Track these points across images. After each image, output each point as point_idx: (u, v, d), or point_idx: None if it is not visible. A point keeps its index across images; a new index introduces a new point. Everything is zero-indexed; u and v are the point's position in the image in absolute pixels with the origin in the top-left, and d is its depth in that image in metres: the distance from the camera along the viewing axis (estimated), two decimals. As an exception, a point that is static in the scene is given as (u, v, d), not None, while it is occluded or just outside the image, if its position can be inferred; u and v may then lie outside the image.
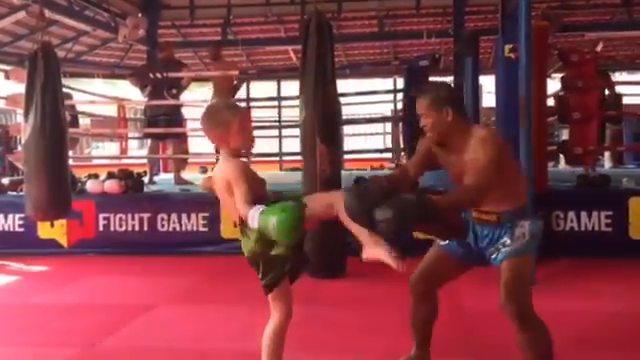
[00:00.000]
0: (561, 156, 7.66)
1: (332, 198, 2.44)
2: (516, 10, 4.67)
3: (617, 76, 11.27)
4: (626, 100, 9.29)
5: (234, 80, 7.86)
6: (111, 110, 11.40)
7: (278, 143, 10.64)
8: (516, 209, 2.46)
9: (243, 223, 2.35)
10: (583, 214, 5.20)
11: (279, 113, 10.71)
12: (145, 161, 8.16)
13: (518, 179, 2.55)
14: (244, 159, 2.49)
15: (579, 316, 3.40)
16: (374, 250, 2.35)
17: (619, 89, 8.98)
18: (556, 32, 7.15)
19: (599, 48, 9.83)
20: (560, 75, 6.47)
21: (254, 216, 2.23)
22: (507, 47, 4.99)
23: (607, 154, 9.38)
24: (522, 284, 2.40)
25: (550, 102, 5.99)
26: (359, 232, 2.38)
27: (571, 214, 5.21)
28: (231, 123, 2.38)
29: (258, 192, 2.36)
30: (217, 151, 6.89)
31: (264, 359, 2.45)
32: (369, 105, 11.49)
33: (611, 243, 5.15)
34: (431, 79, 7.30)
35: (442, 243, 2.65)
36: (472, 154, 2.38)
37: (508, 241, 2.44)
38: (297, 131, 5.22)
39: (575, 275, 4.61)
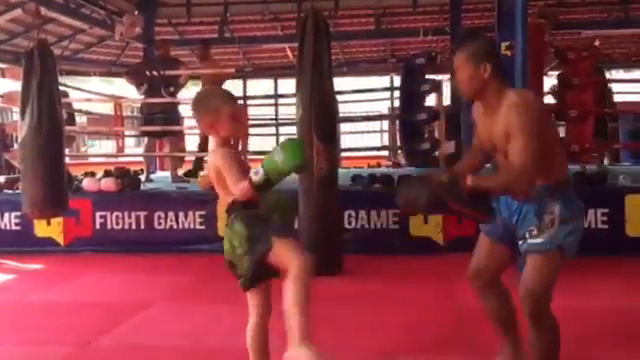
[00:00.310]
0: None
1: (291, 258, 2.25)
2: (512, 8, 4.68)
3: (613, 74, 11.28)
4: (622, 98, 9.32)
5: (225, 80, 7.83)
6: (108, 108, 11.40)
7: (275, 141, 10.65)
8: (549, 185, 2.23)
9: (231, 210, 2.31)
10: (580, 212, 5.20)
11: (276, 111, 10.73)
12: (142, 159, 8.14)
13: (554, 150, 2.27)
14: (235, 151, 2.42)
15: (575, 313, 3.41)
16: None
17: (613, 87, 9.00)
18: (552, 30, 7.16)
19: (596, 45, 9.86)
20: (556, 73, 6.47)
21: (258, 170, 2.16)
22: (503, 45, 5.00)
23: (603, 152, 9.40)
24: (543, 284, 2.26)
25: (546, 100, 6.01)
26: None
27: (567, 211, 5.21)
28: (221, 110, 2.33)
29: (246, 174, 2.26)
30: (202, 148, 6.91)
31: (250, 357, 2.46)
32: (366, 103, 11.49)
33: (608, 241, 5.16)
34: (428, 77, 7.33)
35: (485, 228, 2.49)
36: (506, 122, 2.19)
37: (535, 230, 2.25)
38: (294, 129, 5.22)
39: (571, 273, 4.57)
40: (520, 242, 2.31)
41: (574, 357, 2.63)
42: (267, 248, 2.23)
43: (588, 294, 4.07)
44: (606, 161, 9.27)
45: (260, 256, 2.25)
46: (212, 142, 2.42)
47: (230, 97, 2.45)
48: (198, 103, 2.43)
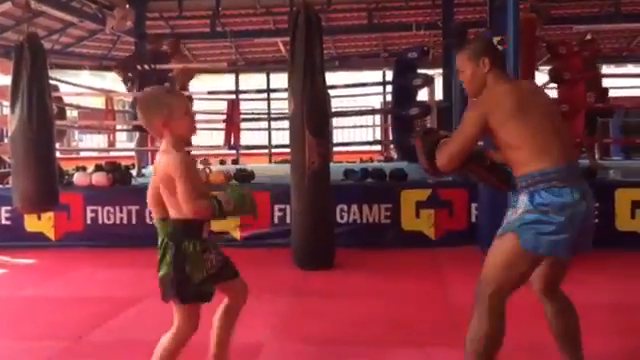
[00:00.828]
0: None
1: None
2: (504, 2, 4.69)
3: (605, 69, 11.32)
4: (613, 93, 9.35)
5: (194, 75, 7.78)
6: (99, 102, 11.33)
7: (267, 135, 10.64)
8: (530, 174, 2.19)
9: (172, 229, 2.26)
10: (570, 206, 5.23)
11: (268, 105, 10.70)
12: (133, 154, 8.11)
13: (528, 141, 2.22)
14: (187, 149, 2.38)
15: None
16: None
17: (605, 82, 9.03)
18: (544, 24, 7.17)
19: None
20: (548, 67, 6.48)
21: (228, 199, 2.21)
22: (495, 39, 5.00)
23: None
24: (492, 269, 2.22)
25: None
26: None
27: (558, 205, 5.24)
28: (175, 105, 2.21)
29: (199, 187, 2.25)
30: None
31: None
32: (359, 97, 11.49)
33: (598, 234, 5.16)
34: (420, 71, 7.34)
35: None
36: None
37: (505, 220, 2.27)
38: (287, 123, 5.22)
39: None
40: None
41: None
42: (173, 295, 2.27)
43: (576, 287, 4.09)
44: (596, 156, 9.34)
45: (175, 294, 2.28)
46: (164, 144, 2.26)
47: (180, 93, 2.42)
48: (147, 103, 2.26)
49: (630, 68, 13.09)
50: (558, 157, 2.20)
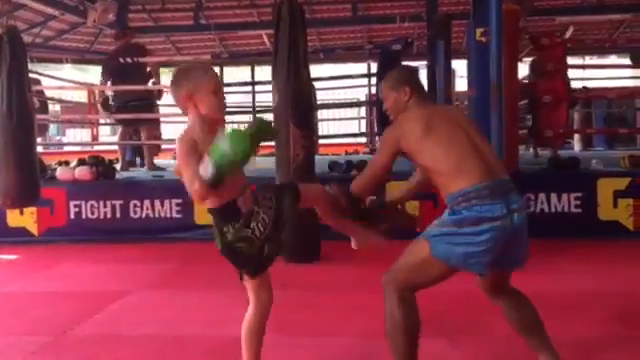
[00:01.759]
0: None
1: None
2: (487, -6, 4.71)
3: (587, 60, 11.43)
4: (595, 84, 9.44)
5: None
6: (82, 96, 11.22)
7: (253, 128, 10.58)
8: (451, 195, 2.20)
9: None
10: (553, 196, 5.29)
11: (253, 98, 10.65)
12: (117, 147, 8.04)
13: (449, 160, 2.23)
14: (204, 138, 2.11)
15: (548, 295, 3.47)
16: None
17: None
18: (527, 16, 7.21)
19: (569, 32, 9.98)
20: (531, 59, 6.52)
21: (204, 164, 1.96)
22: (478, 31, 5.03)
23: (577, 137, 9.54)
24: (399, 266, 2.33)
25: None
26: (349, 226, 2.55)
27: (542, 196, 5.29)
28: (203, 80, 2.14)
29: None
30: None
31: (243, 347, 2.32)
32: (344, 90, 11.48)
33: (581, 224, 5.25)
34: (404, 63, 7.35)
35: None
36: None
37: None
38: (271, 116, 5.20)
39: (546, 255, 4.68)
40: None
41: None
42: (241, 277, 2.28)
43: (561, 276, 4.15)
44: (579, 146, 9.43)
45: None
46: (188, 121, 2.18)
47: (213, 71, 2.27)
48: (177, 75, 2.21)
49: (613, 59, 13.21)
50: (479, 175, 2.17)
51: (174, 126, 8.76)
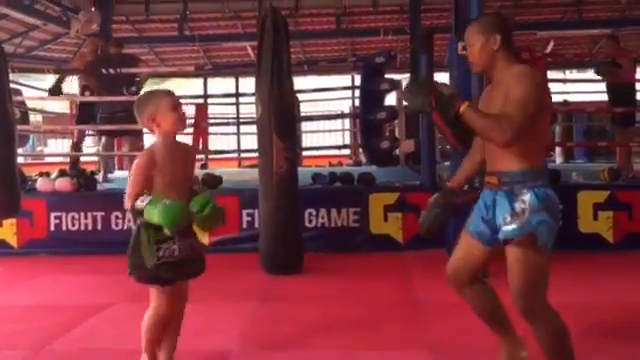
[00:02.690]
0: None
1: None
2: (469, 8, 4.76)
3: (567, 74, 11.58)
4: (575, 98, 9.57)
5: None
6: (64, 106, 11.12)
7: (236, 140, 10.58)
8: (522, 172, 2.18)
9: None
10: (534, 208, 5.32)
11: (237, 110, 10.65)
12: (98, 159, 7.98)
13: (536, 135, 2.21)
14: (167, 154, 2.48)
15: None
16: None
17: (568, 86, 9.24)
18: (508, 30, 7.29)
19: (550, 46, 10.12)
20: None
21: (144, 203, 2.32)
22: (460, 44, 5.05)
23: (558, 150, 9.65)
24: (527, 278, 2.20)
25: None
26: None
27: (523, 208, 5.32)
28: (162, 101, 2.45)
29: (165, 181, 2.43)
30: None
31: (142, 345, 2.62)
32: (327, 102, 11.51)
33: (561, 236, 5.24)
34: (386, 75, 7.40)
35: (468, 226, 2.40)
36: (508, 88, 2.17)
37: (508, 217, 2.20)
38: (255, 127, 5.20)
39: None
40: (498, 233, 2.27)
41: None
42: (129, 274, 2.58)
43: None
44: (560, 159, 9.53)
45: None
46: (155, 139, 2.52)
47: (169, 91, 2.59)
48: (138, 101, 2.54)
49: (592, 73, 13.37)
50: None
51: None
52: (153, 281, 2.52)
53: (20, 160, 10.43)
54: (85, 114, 7.17)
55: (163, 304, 2.54)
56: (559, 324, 2.27)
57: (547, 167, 2.27)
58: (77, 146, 7.45)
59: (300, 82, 11.00)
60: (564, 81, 10.17)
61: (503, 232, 2.22)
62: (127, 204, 2.40)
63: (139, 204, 2.33)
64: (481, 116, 2.16)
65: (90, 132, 8.11)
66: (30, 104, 8.32)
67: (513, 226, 2.19)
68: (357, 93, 9.67)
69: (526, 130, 2.12)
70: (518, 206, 2.18)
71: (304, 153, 9.31)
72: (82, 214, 5.66)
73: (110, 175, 7.54)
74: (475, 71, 2.38)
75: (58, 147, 14.58)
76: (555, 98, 9.33)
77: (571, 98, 10.23)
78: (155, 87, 8.22)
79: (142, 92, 7.40)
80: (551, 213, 2.20)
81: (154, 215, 2.29)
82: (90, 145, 12.02)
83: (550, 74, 7.51)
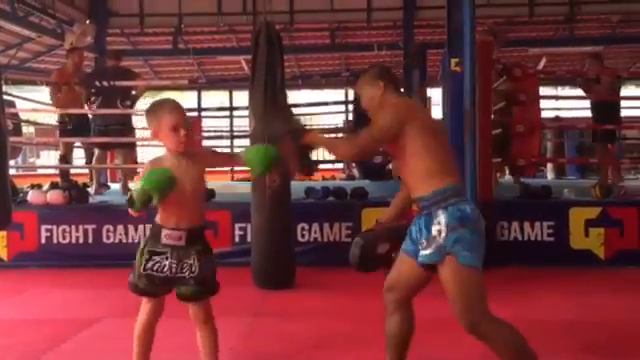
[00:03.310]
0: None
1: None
2: (462, 25, 4.81)
3: (559, 90, 11.68)
4: (568, 114, 9.64)
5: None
6: (56, 119, 11.10)
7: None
8: (433, 192, 2.27)
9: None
10: (526, 224, 5.35)
11: (231, 123, 10.67)
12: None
13: (440, 157, 2.35)
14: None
15: (518, 323, 3.49)
16: None
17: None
18: (501, 47, 7.36)
19: (542, 63, 10.21)
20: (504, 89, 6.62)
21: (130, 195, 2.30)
22: (453, 60, 5.11)
23: (550, 166, 9.70)
24: (463, 297, 2.25)
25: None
26: None
27: (515, 224, 5.35)
28: (162, 119, 2.40)
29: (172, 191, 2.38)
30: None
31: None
32: (322, 116, 11.55)
33: (553, 253, 5.31)
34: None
35: (403, 247, 2.50)
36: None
37: (424, 242, 2.29)
38: (248, 142, 5.20)
39: (517, 284, 4.73)
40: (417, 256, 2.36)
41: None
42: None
43: (532, 305, 4.18)
44: (552, 175, 9.58)
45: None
46: None
47: (175, 108, 2.43)
48: (147, 111, 2.50)
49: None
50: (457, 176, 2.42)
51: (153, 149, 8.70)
52: (130, 287, 2.53)
53: (12, 172, 10.39)
54: (79, 126, 7.13)
55: (143, 314, 2.57)
56: (511, 334, 2.30)
57: (461, 185, 2.40)
58: (65, 158, 7.42)
59: (294, 96, 11.04)
60: (556, 97, 10.25)
61: (420, 257, 2.33)
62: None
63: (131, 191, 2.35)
64: (330, 138, 2.63)
65: (78, 144, 8.06)
66: (23, 116, 8.30)
67: (428, 251, 2.30)
68: (350, 107, 9.73)
69: (417, 157, 2.33)
70: (435, 229, 2.27)
71: (297, 167, 9.30)
72: (73, 227, 5.63)
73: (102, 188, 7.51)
74: (371, 117, 2.58)
75: (50, 159, 14.55)
76: (547, 114, 9.43)
77: (563, 114, 10.31)
78: (150, 100, 8.22)
79: (142, 103, 7.51)
80: (469, 227, 2.26)
81: (138, 186, 2.27)
82: (81, 157, 12.00)
83: (542, 90, 7.57)
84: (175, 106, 2.44)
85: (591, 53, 7.63)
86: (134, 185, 2.37)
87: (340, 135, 2.73)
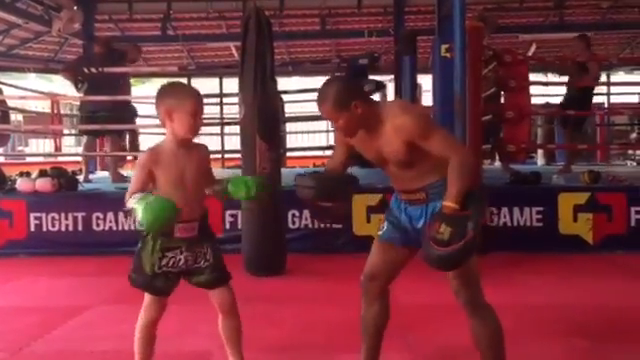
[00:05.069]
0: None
1: None
2: (452, 11, 4.79)
3: (550, 77, 11.68)
4: (557, 100, 9.62)
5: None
6: (45, 106, 11.03)
7: (220, 140, 10.53)
8: (444, 180, 2.27)
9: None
10: (515, 210, 5.38)
11: (221, 110, 10.60)
12: (80, 159, 7.91)
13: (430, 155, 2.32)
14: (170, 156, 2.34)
15: (509, 308, 3.52)
16: None
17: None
18: (491, 33, 7.35)
19: (532, 49, 10.22)
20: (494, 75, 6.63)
21: (130, 203, 2.21)
22: (443, 47, 5.11)
23: (540, 152, 9.73)
24: (468, 269, 2.29)
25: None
26: None
27: (504, 210, 5.38)
28: (182, 102, 2.27)
29: (170, 180, 2.31)
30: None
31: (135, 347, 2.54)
32: (312, 103, 11.50)
33: (542, 238, 5.34)
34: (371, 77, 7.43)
35: (380, 234, 2.53)
36: (401, 137, 2.23)
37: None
38: (238, 128, 5.18)
39: (507, 269, 4.76)
40: (412, 235, 2.39)
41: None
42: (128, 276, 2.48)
43: (521, 289, 4.21)
44: (542, 161, 9.62)
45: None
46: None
47: (197, 94, 2.37)
48: (164, 88, 2.34)
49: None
50: None
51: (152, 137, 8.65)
52: (147, 288, 2.42)
53: (0, 160, 10.34)
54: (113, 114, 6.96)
55: (150, 310, 2.47)
56: (497, 323, 2.36)
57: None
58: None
59: (284, 83, 10.98)
60: (546, 84, 10.25)
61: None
62: (126, 197, 2.26)
63: (131, 202, 2.19)
64: (456, 181, 2.22)
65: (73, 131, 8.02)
66: (11, 103, 8.21)
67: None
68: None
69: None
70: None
71: (288, 154, 9.30)
72: (62, 215, 5.60)
73: (92, 176, 7.47)
74: (350, 137, 2.41)
75: (39, 147, 14.45)
76: (537, 100, 9.44)
77: (553, 101, 10.31)
78: (139, 87, 8.17)
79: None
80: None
81: (138, 214, 2.13)
82: (71, 144, 11.94)
83: (532, 77, 7.57)
84: (197, 92, 2.38)
85: (577, 35, 7.64)
86: (134, 203, 2.19)
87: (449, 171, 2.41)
